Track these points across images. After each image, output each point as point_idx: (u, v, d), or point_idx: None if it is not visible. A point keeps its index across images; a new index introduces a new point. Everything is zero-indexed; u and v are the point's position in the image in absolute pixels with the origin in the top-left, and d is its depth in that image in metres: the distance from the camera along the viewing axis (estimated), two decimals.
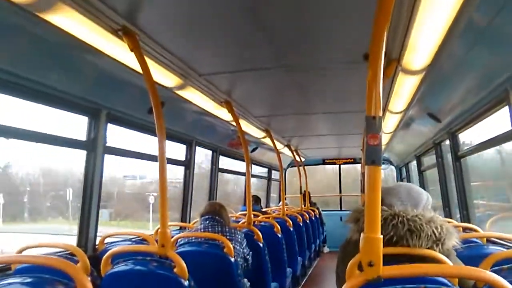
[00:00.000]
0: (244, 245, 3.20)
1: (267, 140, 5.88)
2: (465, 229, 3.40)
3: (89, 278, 1.68)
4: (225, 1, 2.03)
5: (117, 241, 3.33)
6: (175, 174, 5.04)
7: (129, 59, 2.44)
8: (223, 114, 4.10)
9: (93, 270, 2.24)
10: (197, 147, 4.98)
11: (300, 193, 8.13)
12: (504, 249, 2.34)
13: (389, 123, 4.67)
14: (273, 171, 9.27)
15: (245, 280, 3.18)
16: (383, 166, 1.42)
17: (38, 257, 1.98)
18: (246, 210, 4.00)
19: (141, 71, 2.32)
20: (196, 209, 4.72)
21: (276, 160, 6.24)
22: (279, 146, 6.71)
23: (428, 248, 1.47)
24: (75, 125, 3.10)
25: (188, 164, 4.82)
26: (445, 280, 1.37)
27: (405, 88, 3.13)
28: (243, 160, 4.20)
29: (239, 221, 4.51)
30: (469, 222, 3.86)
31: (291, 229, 5.47)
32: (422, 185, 6.43)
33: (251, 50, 2.73)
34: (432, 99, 3.63)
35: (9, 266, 2.34)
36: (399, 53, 2.48)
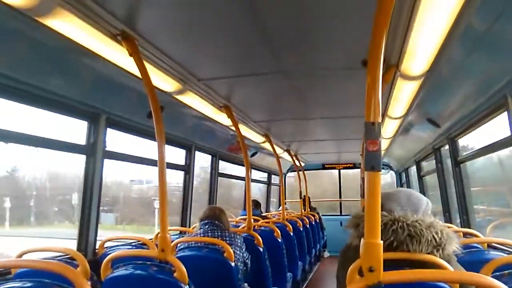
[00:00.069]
0: (243, 250, 3.20)
1: (267, 145, 5.88)
2: (465, 234, 3.40)
3: (89, 283, 1.68)
4: (224, 6, 2.04)
5: (117, 246, 3.33)
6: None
7: (128, 63, 2.45)
8: (223, 119, 4.11)
9: (93, 275, 2.24)
10: (197, 152, 4.98)
11: (300, 198, 8.12)
12: (505, 255, 2.34)
13: (389, 128, 4.68)
14: (273, 176, 9.27)
15: (246, 284, 3.17)
16: (382, 171, 1.41)
17: (38, 261, 1.98)
18: (246, 215, 3.99)
19: (140, 76, 2.33)
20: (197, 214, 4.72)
21: (275, 165, 6.25)
22: (278, 151, 6.71)
23: (429, 253, 1.47)
24: (75, 129, 3.11)
25: (187, 168, 4.82)
26: (446, 286, 1.36)
27: (404, 93, 3.14)
28: (243, 165, 4.21)
29: (239, 226, 4.51)
30: (469, 227, 3.86)
31: (291, 233, 5.46)
32: (422, 190, 6.42)
33: (250, 55, 2.74)
34: (431, 105, 3.64)
35: (9, 271, 2.33)
36: (398, 59, 2.49)
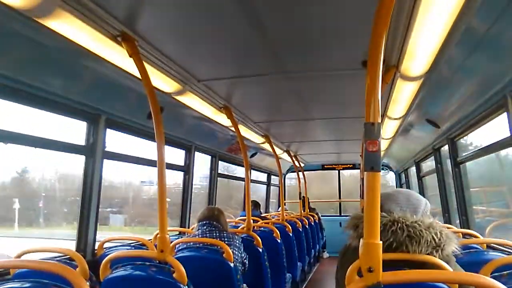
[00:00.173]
0: (242, 250, 3.20)
1: (266, 146, 5.88)
2: (464, 235, 3.40)
3: (88, 283, 1.67)
4: (224, 8, 2.04)
5: (116, 246, 3.32)
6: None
7: (128, 64, 2.45)
8: (222, 119, 4.11)
9: (92, 275, 2.24)
10: (199, 153, 4.99)
11: (300, 198, 8.12)
12: (504, 255, 2.34)
13: (388, 129, 4.68)
14: (272, 177, 9.27)
15: (245, 285, 3.17)
16: (382, 172, 1.41)
17: (37, 262, 1.98)
18: (245, 216, 3.99)
19: (140, 77, 2.33)
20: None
21: (275, 165, 6.25)
22: (278, 151, 6.71)
23: (428, 254, 1.47)
24: (74, 130, 3.11)
25: (187, 169, 4.82)
26: (445, 286, 1.36)
27: (404, 94, 3.14)
28: (243, 166, 4.21)
29: (238, 227, 4.51)
30: (468, 228, 3.86)
31: (291, 234, 5.46)
32: (422, 190, 6.43)
33: (250, 56, 2.75)
34: (431, 105, 3.64)
35: (7, 271, 2.33)
36: (397, 60, 2.50)
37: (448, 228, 1.67)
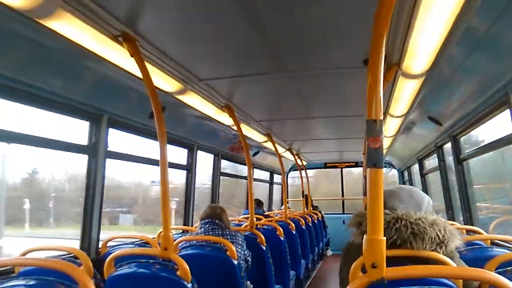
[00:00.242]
0: (244, 247, 3.21)
1: (269, 144, 5.89)
2: (468, 232, 3.39)
3: (92, 281, 1.68)
4: (225, 7, 2.04)
5: (120, 244, 3.34)
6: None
7: (129, 64, 2.46)
8: (224, 118, 4.12)
9: (96, 273, 2.25)
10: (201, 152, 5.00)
11: (302, 196, 8.13)
12: (508, 251, 2.33)
13: (390, 127, 4.68)
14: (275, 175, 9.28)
15: (248, 282, 3.17)
16: (385, 169, 1.41)
17: (41, 260, 1.99)
18: (248, 214, 4.00)
19: (141, 77, 2.34)
20: None
21: (278, 164, 6.25)
22: (280, 150, 6.71)
23: (432, 251, 1.47)
24: (76, 130, 3.12)
25: (189, 168, 4.83)
26: (449, 282, 1.36)
27: (406, 92, 3.13)
28: (245, 164, 4.21)
29: (241, 225, 4.52)
30: (472, 225, 3.85)
31: (294, 232, 5.47)
32: (425, 188, 6.42)
33: (252, 55, 2.75)
34: (432, 103, 3.64)
35: (12, 269, 2.35)
36: (399, 58, 2.49)
37: (451, 224, 1.67)
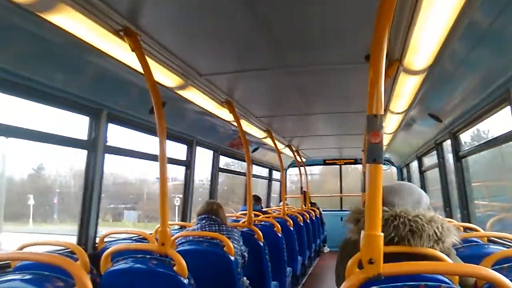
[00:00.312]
0: (241, 243, 3.21)
1: (268, 141, 5.88)
2: (465, 229, 3.40)
3: (88, 276, 1.68)
4: (225, 2, 2.03)
5: (117, 240, 3.34)
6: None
7: (130, 59, 2.45)
8: (224, 114, 4.10)
9: (93, 268, 2.24)
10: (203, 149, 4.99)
11: (301, 193, 8.13)
12: (505, 248, 2.34)
13: (391, 123, 4.67)
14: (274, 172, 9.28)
15: (245, 278, 3.18)
16: (384, 166, 1.40)
17: (38, 254, 1.98)
18: (246, 210, 4.00)
19: (142, 71, 2.32)
20: None
21: (277, 160, 6.25)
22: (280, 146, 6.71)
23: (429, 248, 1.47)
24: (75, 124, 3.11)
25: (188, 164, 4.82)
26: (445, 278, 1.36)
27: (407, 88, 3.13)
28: (244, 160, 4.21)
29: (239, 221, 4.52)
30: (469, 222, 3.86)
31: (292, 228, 5.48)
32: (423, 185, 6.43)
33: (252, 50, 2.74)
34: (433, 99, 3.63)
35: (8, 264, 2.34)
36: (400, 54, 2.49)
37: (449, 222, 1.67)
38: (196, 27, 2.32)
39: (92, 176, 3.12)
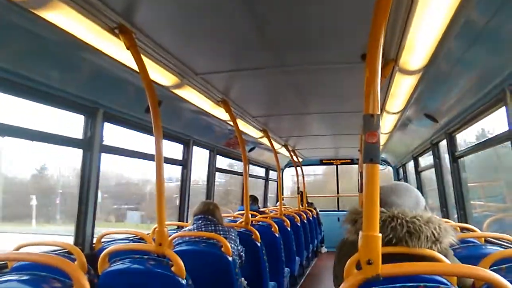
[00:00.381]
0: (238, 243, 3.21)
1: (265, 140, 5.87)
2: (462, 229, 3.41)
3: (86, 276, 1.67)
4: (223, 0, 2.02)
5: (114, 240, 3.32)
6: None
7: (125, 57, 2.44)
8: (220, 113, 4.10)
9: (90, 269, 2.24)
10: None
11: (298, 193, 8.13)
12: (502, 249, 2.34)
13: (386, 123, 4.68)
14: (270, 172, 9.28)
15: (243, 279, 3.17)
16: (380, 166, 1.39)
17: (35, 254, 1.97)
18: (243, 210, 3.99)
19: (137, 70, 2.31)
20: None
21: (273, 160, 6.25)
22: (276, 146, 6.71)
23: (427, 248, 1.47)
24: (71, 123, 3.10)
25: (185, 163, 4.81)
26: (443, 279, 1.36)
27: (402, 88, 3.13)
28: (241, 160, 4.20)
29: (236, 221, 4.51)
30: (466, 223, 3.87)
31: (289, 229, 5.47)
32: (420, 185, 6.44)
33: (248, 49, 2.73)
34: (429, 100, 3.64)
35: (5, 264, 2.33)
36: (396, 53, 2.49)
37: (446, 222, 1.67)
38: (192, 26, 2.31)
39: (88, 176, 3.10)
